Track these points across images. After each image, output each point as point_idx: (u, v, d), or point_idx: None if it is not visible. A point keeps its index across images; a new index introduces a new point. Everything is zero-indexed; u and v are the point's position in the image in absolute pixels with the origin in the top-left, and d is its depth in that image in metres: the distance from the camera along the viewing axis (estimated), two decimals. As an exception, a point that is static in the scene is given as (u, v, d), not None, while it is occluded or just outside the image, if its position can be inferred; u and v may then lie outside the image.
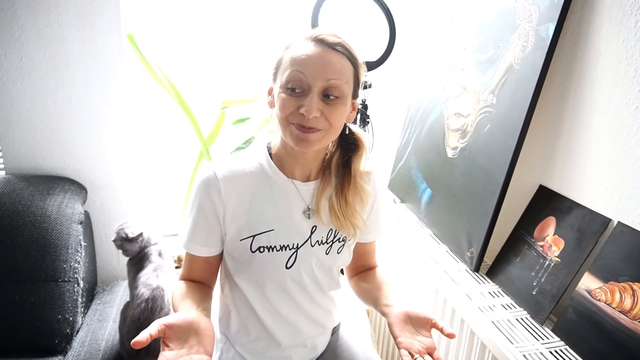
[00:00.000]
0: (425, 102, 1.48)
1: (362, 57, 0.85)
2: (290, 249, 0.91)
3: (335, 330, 1.11)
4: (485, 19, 1.23)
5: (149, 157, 1.72)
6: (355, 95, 0.86)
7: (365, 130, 1.41)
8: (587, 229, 0.93)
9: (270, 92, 0.88)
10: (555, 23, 0.96)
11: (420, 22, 1.67)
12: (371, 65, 1.55)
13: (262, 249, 0.89)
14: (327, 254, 0.95)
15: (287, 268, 0.91)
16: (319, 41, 0.80)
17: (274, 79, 0.85)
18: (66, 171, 1.49)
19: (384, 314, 0.89)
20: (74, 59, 1.41)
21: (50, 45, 1.38)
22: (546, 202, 1.05)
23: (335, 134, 0.85)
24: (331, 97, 0.79)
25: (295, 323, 0.96)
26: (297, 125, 0.80)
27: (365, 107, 1.55)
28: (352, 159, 0.92)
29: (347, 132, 0.91)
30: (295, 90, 0.79)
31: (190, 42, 1.65)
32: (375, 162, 1.12)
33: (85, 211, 1.43)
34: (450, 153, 1.28)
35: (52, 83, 1.41)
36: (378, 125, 1.62)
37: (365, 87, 1.53)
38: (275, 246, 0.90)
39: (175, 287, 0.92)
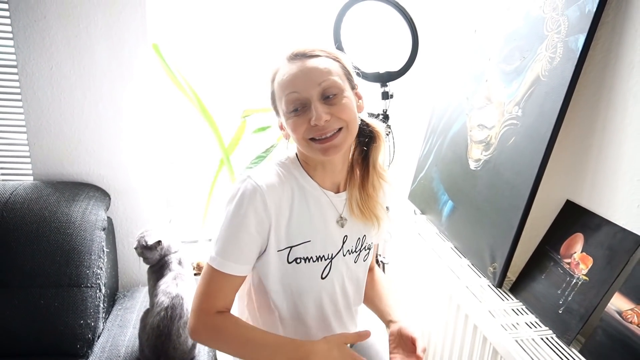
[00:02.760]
0: (448, 112, 1.45)
1: (343, 52, 0.89)
2: (325, 259, 0.92)
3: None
4: (511, 30, 1.20)
5: (172, 165, 1.74)
6: (353, 86, 0.89)
7: (387, 140, 1.39)
8: (618, 247, 0.89)
9: (281, 126, 0.91)
10: (585, 34, 0.93)
11: (443, 31, 1.65)
12: (393, 75, 1.53)
13: (298, 260, 0.89)
14: (355, 262, 0.97)
15: (322, 278, 0.92)
16: (296, 57, 0.83)
17: (277, 113, 0.89)
18: (91, 177, 1.52)
19: (387, 326, 1.00)
20: (101, 68, 1.44)
21: (79, 54, 1.42)
22: (574, 218, 1.02)
23: (354, 127, 0.86)
24: (331, 97, 0.82)
25: None
26: (316, 140, 0.83)
27: (386, 117, 1.54)
28: (370, 151, 0.93)
29: (361, 124, 0.92)
30: (298, 109, 0.82)
31: (213, 52, 1.68)
32: (394, 175, 1.12)
33: (108, 217, 1.45)
34: (472, 165, 1.25)
35: (80, 92, 1.45)
36: (399, 135, 1.61)
37: (386, 98, 1.52)
38: (311, 257, 0.90)
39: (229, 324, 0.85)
